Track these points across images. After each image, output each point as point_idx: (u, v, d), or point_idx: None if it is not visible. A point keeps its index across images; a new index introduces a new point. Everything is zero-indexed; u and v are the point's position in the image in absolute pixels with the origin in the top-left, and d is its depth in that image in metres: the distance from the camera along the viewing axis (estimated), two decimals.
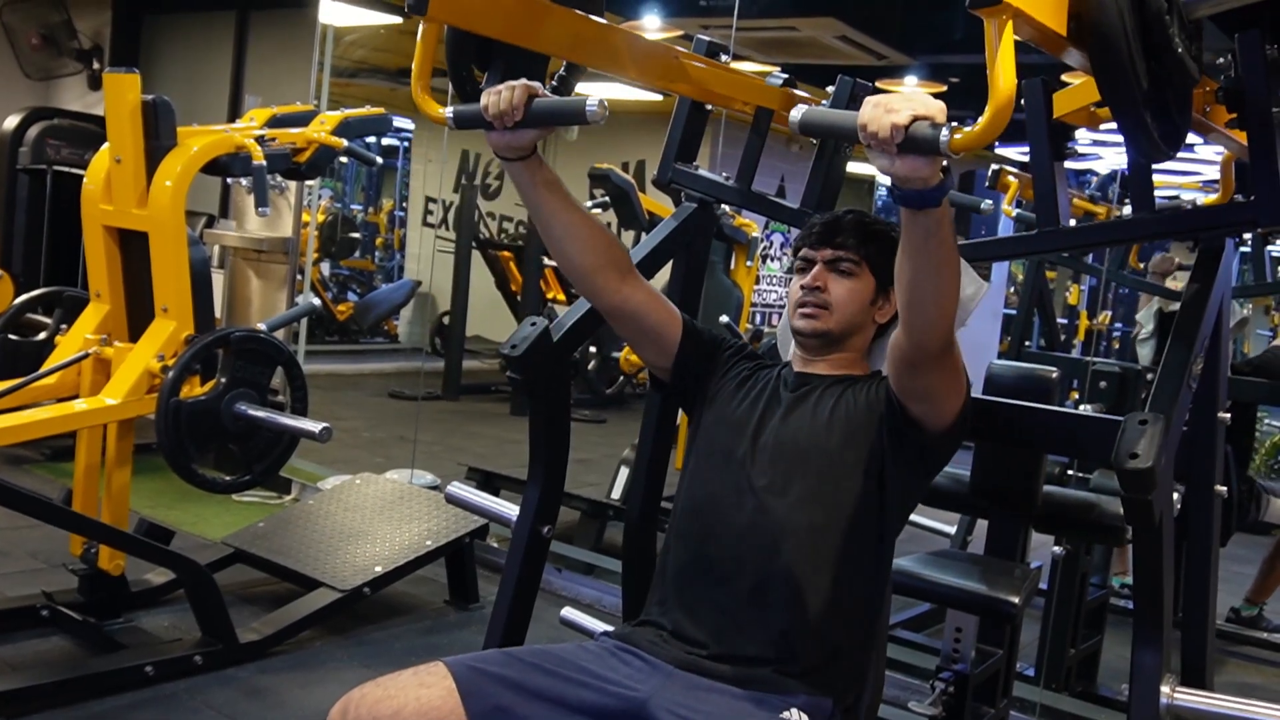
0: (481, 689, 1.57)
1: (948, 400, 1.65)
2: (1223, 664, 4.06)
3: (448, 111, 1.62)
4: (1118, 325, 8.08)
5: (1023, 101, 1.99)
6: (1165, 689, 1.63)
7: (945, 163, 1.31)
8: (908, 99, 1.29)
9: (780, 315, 2.05)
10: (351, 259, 11.26)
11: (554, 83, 1.98)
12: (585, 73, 2.04)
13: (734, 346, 1.96)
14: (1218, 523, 1.93)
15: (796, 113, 1.37)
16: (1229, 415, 1.92)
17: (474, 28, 1.70)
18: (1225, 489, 1.95)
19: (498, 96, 1.55)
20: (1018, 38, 1.29)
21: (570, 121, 1.54)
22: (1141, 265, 5.23)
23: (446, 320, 8.44)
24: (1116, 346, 8.02)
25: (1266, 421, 7.28)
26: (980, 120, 1.27)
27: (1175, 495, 1.80)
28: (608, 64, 1.92)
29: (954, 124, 1.26)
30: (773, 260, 9.17)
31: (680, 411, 2.17)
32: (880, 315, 1.87)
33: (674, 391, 1.95)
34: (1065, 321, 6.97)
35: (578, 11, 1.80)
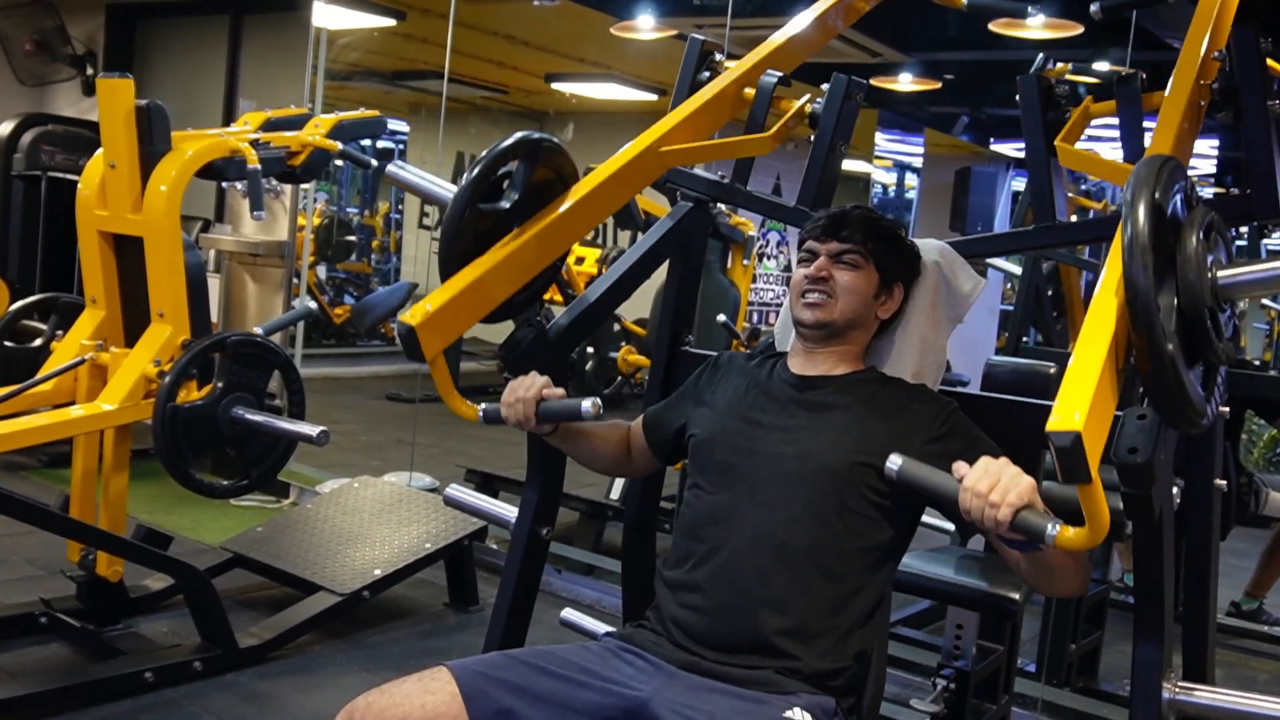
0: (485, 693, 1.57)
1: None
2: (1223, 657, 4.06)
3: (480, 413, 1.89)
4: None
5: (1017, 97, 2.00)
6: (1167, 684, 1.63)
7: None
8: (1003, 486, 1.37)
9: (777, 314, 2.05)
10: (348, 262, 11.24)
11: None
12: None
13: (709, 364, 1.99)
14: (1218, 517, 1.93)
15: (893, 464, 1.48)
16: (1228, 410, 1.91)
17: (469, 327, 1.91)
18: (1224, 483, 1.95)
19: (512, 411, 1.82)
20: None
21: (572, 419, 1.81)
22: None
23: None
24: None
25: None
26: (1084, 531, 1.34)
27: (1175, 490, 1.80)
28: (592, 224, 2.11)
29: (1058, 524, 1.34)
30: (769, 259, 9.17)
31: None
32: (883, 311, 1.87)
33: (678, 458, 2.02)
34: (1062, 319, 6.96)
35: (527, 230, 1.91)
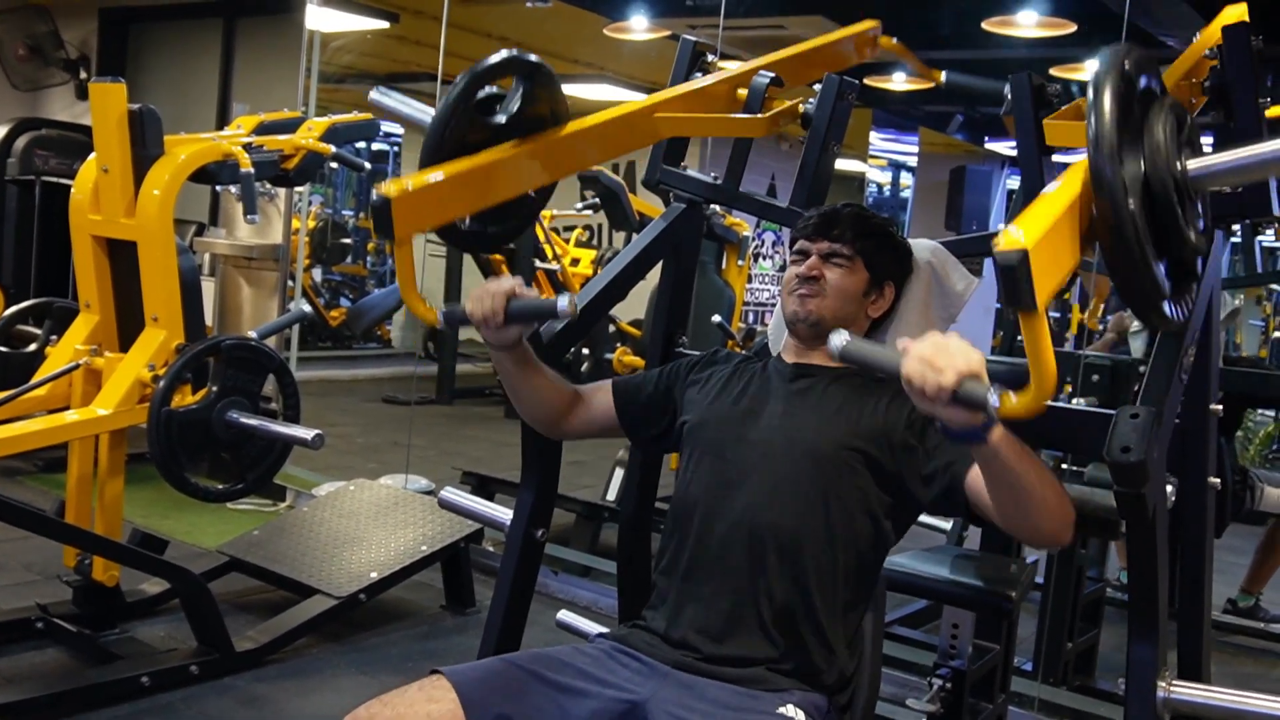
0: (484, 700, 1.57)
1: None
2: (1219, 654, 4.07)
3: (440, 314, 1.77)
4: (1108, 318, 8.09)
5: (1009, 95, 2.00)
6: (1162, 682, 1.63)
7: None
8: (949, 353, 1.30)
9: (773, 314, 2.04)
10: (343, 264, 11.24)
11: (533, 194, 2.00)
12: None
13: (697, 359, 1.99)
14: (1212, 515, 1.93)
15: (837, 341, 1.38)
16: (1221, 407, 1.92)
17: (439, 222, 1.82)
18: (1219, 480, 1.95)
19: (478, 304, 1.70)
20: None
21: (544, 318, 1.73)
22: None
23: None
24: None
25: (1260, 412, 7.29)
26: (1026, 396, 1.30)
27: (1170, 488, 1.80)
28: (576, 166, 2.03)
29: (999, 389, 1.28)
30: (765, 259, 9.18)
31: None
32: (873, 310, 1.88)
33: (644, 440, 2.01)
34: (1058, 315, 6.97)
35: (526, 143, 1.86)
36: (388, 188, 1.68)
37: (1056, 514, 1.50)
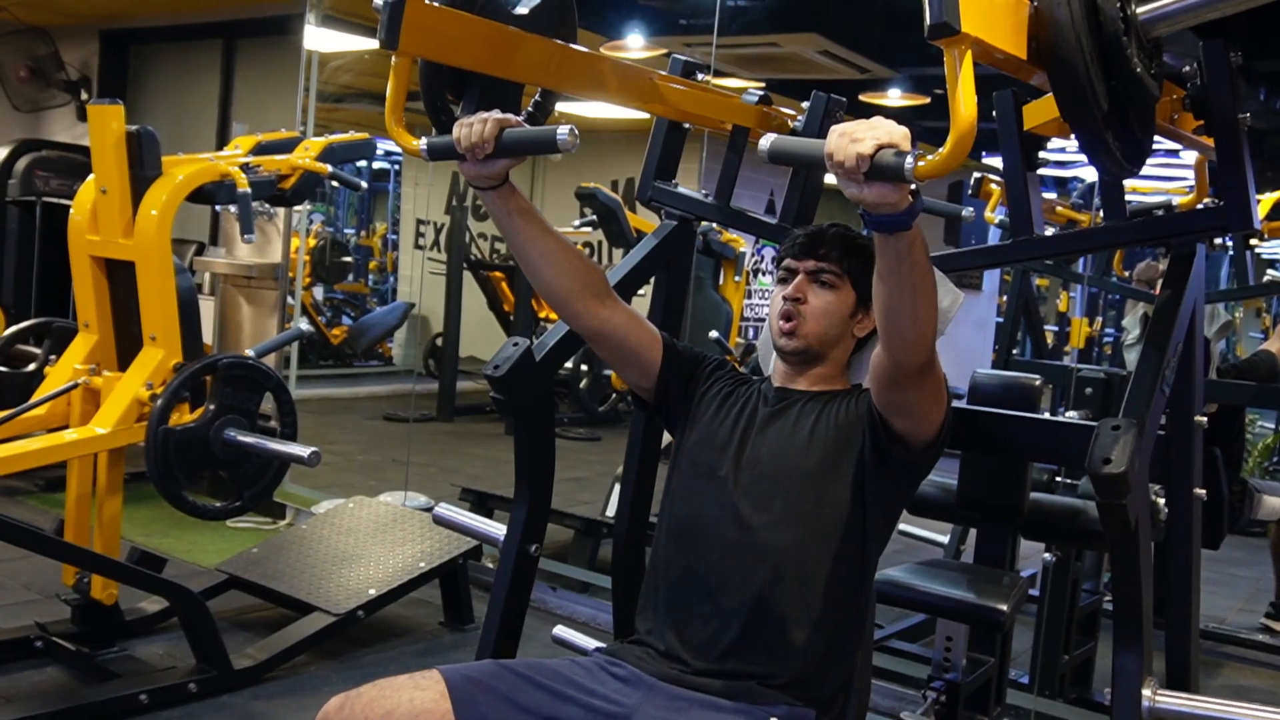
0: (473, 698, 1.60)
1: (930, 414, 1.67)
2: (1238, 670, 4.06)
3: (421, 144, 1.64)
4: (1109, 331, 8.11)
5: (994, 113, 2.02)
6: (1147, 692, 1.64)
7: (914, 186, 1.32)
8: (872, 126, 1.30)
9: (763, 331, 2.05)
10: (345, 282, 11.27)
11: (530, 108, 1.99)
12: (561, 97, 2.06)
13: (714, 363, 1.98)
14: (1198, 525, 1.95)
15: (765, 142, 1.39)
16: (1206, 419, 1.94)
17: (446, 60, 1.72)
18: (1210, 491, 1.96)
19: (469, 129, 1.58)
20: (978, 62, 1.31)
21: (542, 150, 1.56)
22: (1126, 273, 5.24)
23: (440, 342, 8.45)
24: (1109, 352, 8.05)
25: (1259, 424, 7.30)
26: (943, 148, 1.29)
27: (1161, 501, 1.82)
28: (584, 88, 1.94)
29: (918, 151, 1.27)
30: (765, 274, 9.20)
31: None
32: (859, 329, 1.89)
33: (657, 410, 1.97)
34: (1056, 329, 6.99)
35: (551, 39, 1.82)
36: None
37: (929, 326, 1.53)
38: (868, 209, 1.36)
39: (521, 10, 1.82)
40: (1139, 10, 1.44)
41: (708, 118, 2.24)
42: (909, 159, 1.26)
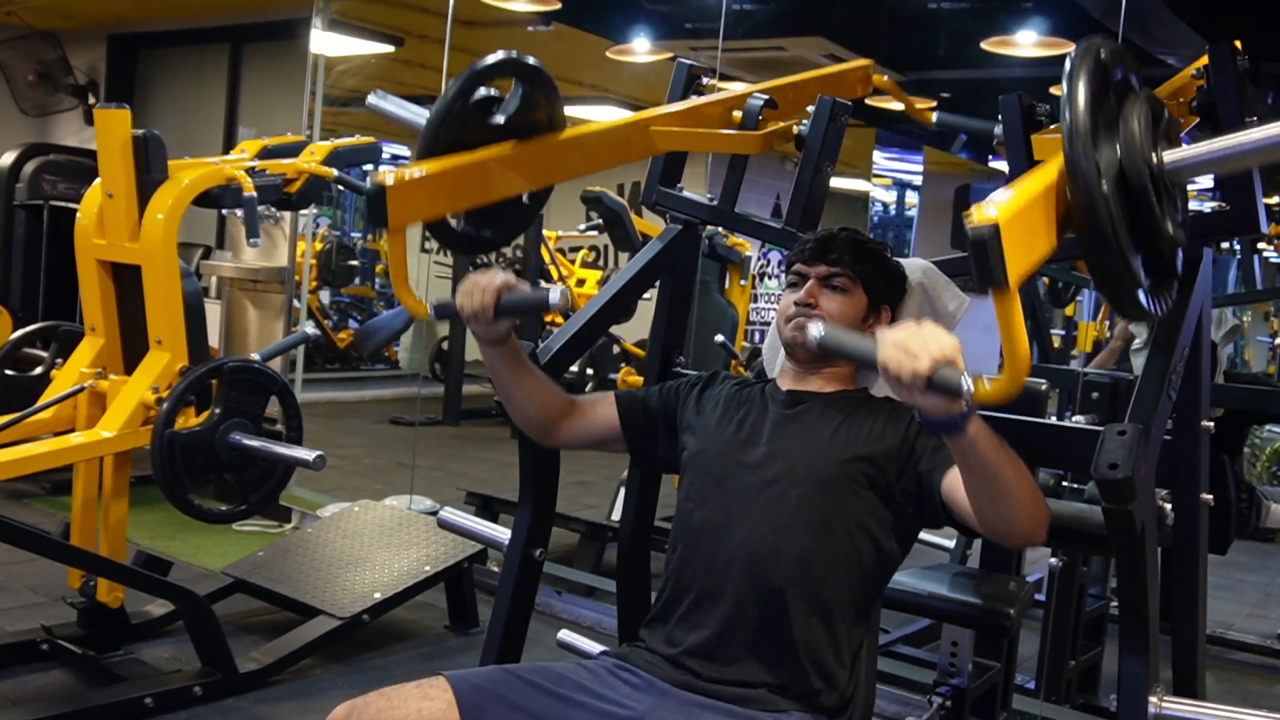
0: (480, 705, 1.59)
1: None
2: (1245, 676, 4.04)
3: (430, 309, 1.77)
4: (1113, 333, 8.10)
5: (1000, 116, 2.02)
6: (1153, 698, 1.63)
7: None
8: (925, 342, 1.31)
9: (768, 336, 2.05)
10: (351, 286, 11.27)
11: (526, 200, 1.99)
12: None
13: (698, 379, 1.99)
14: (1205, 530, 1.94)
15: (816, 330, 1.41)
16: (1212, 424, 1.93)
17: (438, 214, 1.81)
18: (1217, 496, 1.95)
19: (469, 299, 1.69)
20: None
21: (538, 312, 1.68)
22: None
23: (445, 345, 8.45)
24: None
25: (1267, 428, 7.27)
26: (1002, 378, 1.31)
27: (1168, 506, 1.80)
28: (579, 169, 2.03)
29: (974, 374, 1.29)
30: (770, 278, 9.19)
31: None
32: (870, 333, 1.88)
33: (648, 461, 2.04)
34: (1062, 333, 6.96)
35: (533, 140, 1.86)
36: (383, 176, 1.67)
37: (1031, 511, 1.51)
38: (921, 413, 1.37)
39: (498, 120, 1.85)
40: (1167, 156, 1.42)
41: (705, 149, 2.26)
42: (967, 383, 1.28)
